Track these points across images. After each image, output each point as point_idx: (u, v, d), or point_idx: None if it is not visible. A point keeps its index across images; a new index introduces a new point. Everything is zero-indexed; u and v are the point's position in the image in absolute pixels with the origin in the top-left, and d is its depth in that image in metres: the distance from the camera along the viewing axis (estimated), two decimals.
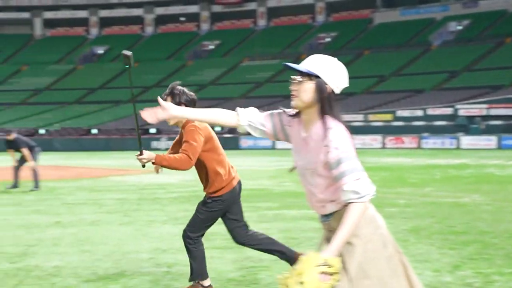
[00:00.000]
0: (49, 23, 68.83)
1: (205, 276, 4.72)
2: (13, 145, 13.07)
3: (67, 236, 7.51)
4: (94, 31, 68.53)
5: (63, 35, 68.03)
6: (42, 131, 39.17)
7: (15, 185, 13.13)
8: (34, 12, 68.28)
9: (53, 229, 8.08)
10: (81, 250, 6.64)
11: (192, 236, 4.65)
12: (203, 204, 4.70)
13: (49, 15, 68.52)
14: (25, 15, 68.23)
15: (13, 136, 13.05)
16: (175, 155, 4.45)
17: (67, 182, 14.60)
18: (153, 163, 4.34)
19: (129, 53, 3.61)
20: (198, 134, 4.46)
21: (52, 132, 39.11)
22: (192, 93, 4.61)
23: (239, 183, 4.75)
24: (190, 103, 4.53)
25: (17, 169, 13.21)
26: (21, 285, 5.29)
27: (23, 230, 8.04)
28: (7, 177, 14.92)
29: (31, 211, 9.83)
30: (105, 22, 68.48)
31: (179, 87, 4.58)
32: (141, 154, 4.23)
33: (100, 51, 65.09)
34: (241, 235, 4.72)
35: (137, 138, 4.14)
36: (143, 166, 4.40)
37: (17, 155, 13.20)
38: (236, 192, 4.70)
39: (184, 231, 4.71)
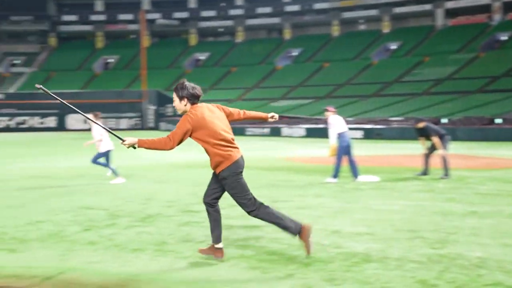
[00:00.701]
0: (450, 13, 68.95)
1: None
2: (423, 133, 13.31)
3: (485, 227, 7.22)
4: (497, 17, 66.01)
5: (464, 24, 67.39)
6: (444, 120, 39.41)
7: (424, 172, 13.37)
8: (436, 3, 69.25)
9: (469, 218, 7.89)
10: (502, 244, 6.28)
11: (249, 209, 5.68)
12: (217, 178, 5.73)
13: (450, 4, 68.67)
14: (427, 7, 69.74)
15: (422, 124, 13.28)
16: (155, 138, 5.51)
17: (476, 172, 14.23)
18: (134, 147, 5.48)
19: None
20: (183, 123, 5.49)
21: (455, 121, 39.00)
22: (191, 86, 5.60)
23: (242, 159, 5.64)
24: (191, 98, 5.60)
25: (427, 156, 13.42)
26: (446, 272, 5.23)
27: (439, 216, 8.05)
28: (417, 164, 15.32)
29: (444, 198, 9.82)
30: (509, 7, 65.26)
31: (185, 83, 5.63)
32: (124, 141, 5.43)
33: (504, 37, 62.28)
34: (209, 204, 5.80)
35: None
36: (131, 148, 5.54)
37: (428, 143, 13.40)
38: (239, 165, 5.58)
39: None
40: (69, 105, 6.08)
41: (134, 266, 5.62)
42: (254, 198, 5.63)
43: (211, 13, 75.90)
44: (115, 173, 13.00)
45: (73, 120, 53.41)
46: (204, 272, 5.38)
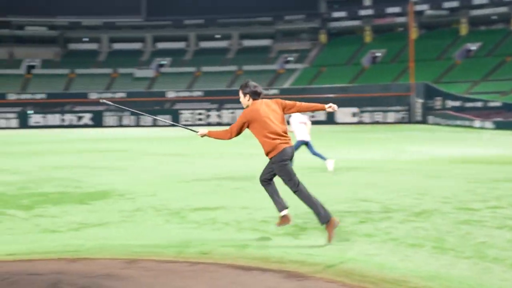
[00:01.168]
0: None
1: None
2: None
3: None
4: None
5: None
6: None
7: None
8: None
9: None
10: None
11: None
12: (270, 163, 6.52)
13: None
14: None
15: None
16: (220, 130, 6.63)
17: None
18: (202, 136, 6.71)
19: None
20: (241, 116, 6.42)
21: None
22: (253, 85, 6.50)
23: (291, 148, 6.44)
24: (253, 95, 6.47)
25: None
26: None
27: None
28: None
29: None
30: None
31: (249, 83, 6.53)
32: (197, 132, 6.75)
33: None
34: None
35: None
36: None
37: None
38: (287, 153, 6.36)
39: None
40: (142, 113, 6.87)
41: (413, 262, 5.50)
42: (298, 182, 6.48)
43: (484, 0, 71.64)
44: (321, 157, 13.59)
45: (342, 114, 54.80)
46: (489, 277, 5.04)
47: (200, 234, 6.88)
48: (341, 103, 56.41)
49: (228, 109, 60.83)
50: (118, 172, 14.15)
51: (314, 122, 56.22)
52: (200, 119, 60.60)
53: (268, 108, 6.50)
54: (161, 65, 76.89)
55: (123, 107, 8.00)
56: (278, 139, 6.42)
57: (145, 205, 9.05)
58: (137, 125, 60.11)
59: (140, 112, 8.97)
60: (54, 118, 60.19)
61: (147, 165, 16.09)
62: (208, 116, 60.85)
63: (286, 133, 6.51)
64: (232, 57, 78.11)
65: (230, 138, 6.58)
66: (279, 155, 6.41)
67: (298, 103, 6.69)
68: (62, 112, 61.53)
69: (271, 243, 6.40)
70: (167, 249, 6.12)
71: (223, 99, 62.94)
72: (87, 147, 24.63)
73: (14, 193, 10.58)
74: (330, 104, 6.76)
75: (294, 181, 6.46)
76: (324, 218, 6.37)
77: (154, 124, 59.27)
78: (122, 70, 73.41)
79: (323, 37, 79.18)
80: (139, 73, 73.48)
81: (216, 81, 70.35)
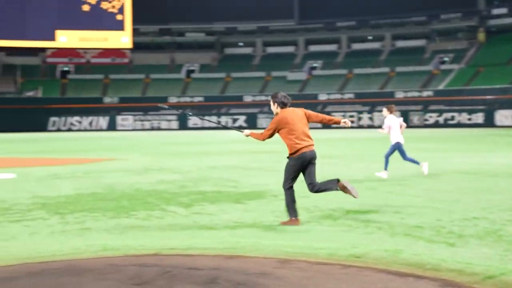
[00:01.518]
0: None
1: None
2: None
3: None
4: None
5: None
6: None
7: None
8: None
9: None
10: None
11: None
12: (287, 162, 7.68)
13: None
14: None
15: None
16: (258, 132, 7.87)
17: None
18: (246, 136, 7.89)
19: None
20: (272, 123, 7.65)
21: None
22: (282, 96, 7.70)
23: (311, 153, 7.56)
24: (281, 105, 7.65)
25: None
26: None
27: None
28: None
29: None
30: None
31: (278, 94, 7.72)
32: (242, 132, 7.93)
33: None
34: (309, 189, 7.72)
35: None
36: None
37: None
38: (304, 157, 7.51)
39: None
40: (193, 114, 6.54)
41: None
42: (291, 186, 7.62)
43: None
44: (386, 164, 13.10)
45: (502, 116, 51.76)
46: None
47: (352, 237, 6.84)
48: (501, 105, 53.56)
49: (380, 111, 59.81)
50: (271, 173, 14.46)
51: (472, 125, 53.65)
52: (351, 122, 60.13)
53: (294, 116, 7.62)
54: (313, 68, 77.41)
55: (177, 109, 11.05)
56: (300, 143, 7.52)
57: (298, 206, 9.15)
58: None
59: (189, 113, 10.66)
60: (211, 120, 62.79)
61: None
62: (359, 118, 60.29)
63: (309, 137, 7.63)
64: (385, 59, 76.73)
65: (263, 140, 7.86)
66: (297, 157, 7.52)
67: (321, 114, 7.95)
68: (218, 114, 64.07)
69: (426, 249, 6.20)
70: (319, 250, 6.16)
71: (375, 101, 62.03)
72: (242, 148, 25.43)
73: (175, 191, 11.20)
74: (346, 120, 8.10)
75: (288, 182, 7.62)
76: (293, 215, 7.66)
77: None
78: (275, 73, 74.91)
79: (481, 36, 75.23)
80: (291, 76, 74.54)
81: (368, 83, 69.51)
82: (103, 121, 63.21)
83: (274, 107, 7.72)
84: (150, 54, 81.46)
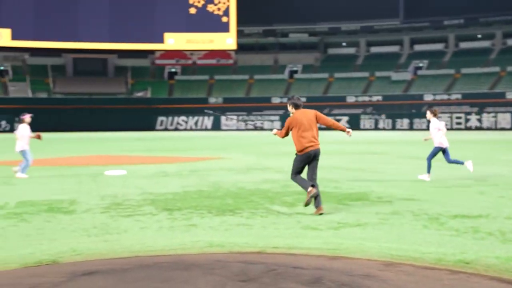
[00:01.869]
0: None
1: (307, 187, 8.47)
2: None
3: None
4: None
5: None
6: None
7: None
8: None
9: None
10: None
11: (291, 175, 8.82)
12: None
13: None
14: None
15: None
16: (280, 130, 8.90)
17: None
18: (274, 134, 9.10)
19: None
20: (286, 123, 8.67)
21: None
22: (296, 98, 8.79)
23: (315, 150, 8.58)
24: (295, 106, 8.69)
25: None
26: None
27: None
28: None
29: None
30: None
31: (294, 96, 8.89)
32: (272, 131, 9.18)
33: None
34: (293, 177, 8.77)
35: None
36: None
37: None
38: (308, 155, 8.55)
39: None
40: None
41: None
42: (297, 173, 8.70)
43: None
44: (428, 168, 12.83)
45: None
46: None
47: (460, 242, 6.61)
48: None
49: (489, 112, 57.40)
50: (375, 175, 14.26)
51: None
52: (458, 123, 58.15)
53: (304, 116, 8.59)
54: (419, 68, 75.43)
55: (216, 113, 12.63)
56: (306, 141, 8.52)
57: (402, 208, 8.99)
58: (393, 128, 59.85)
59: (215, 113, 12.24)
60: None
61: (404, 168, 15.95)
62: (467, 120, 58.11)
63: (315, 138, 8.59)
64: (495, 58, 73.46)
65: (282, 138, 8.96)
66: (303, 154, 8.57)
67: (330, 119, 8.79)
68: None
69: None
70: (426, 255, 6.01)
71: (484, 102, 59.56)
72: (345, 149, 25.22)
73: (278, 191, 11.29)
74: (349, 130, 8.94)
75: (294, 174, 8.69)
76: (307, 187, 8.41)
77: (410, 128, 58.44)
78: (379, 74, 73.68)
79: None
80: (395, 76, 73.03)
81: (476, 83, 66.84)
82: (208, 121, 64.76)
83: (290, 108, 8.74)
84: (254, 55, 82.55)
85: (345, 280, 4.94)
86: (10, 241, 6.96)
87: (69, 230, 7.55)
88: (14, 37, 70.86)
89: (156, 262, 5.69)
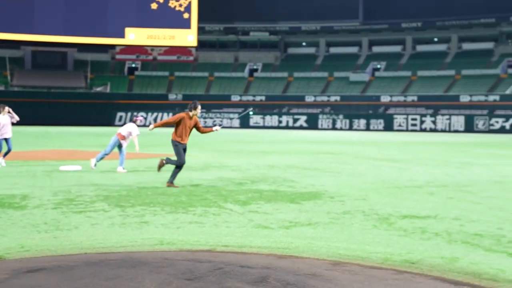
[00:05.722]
0: None
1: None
2: None
3: None
4: None
5: None
6: None
7: None
8: None
9: None
10: None
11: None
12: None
13: None
14: None
15: None
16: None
17: None
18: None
19: None
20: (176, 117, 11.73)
21: None
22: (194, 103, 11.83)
23: (185, 144, 11.65)
24: (190, 108, 11.77)
25: None
26: None
27: None
28: None
29: None
30: None
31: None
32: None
33: None
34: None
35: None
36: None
37: None
38: (182, 146, 11.59)
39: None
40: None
41: None
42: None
43: None
44: None
45: None
46: None
47: (408, 243, 6.75)
48: None
49: (444, 115, 58.57)
50: (330, 174, 14.40)
51: None
52: (414, 125, 59.16)
53: (187, 118, 11.58)
54: (376, 69, 76.46)
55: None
56: (182, 138, 11.58)
57: (354, 208, 9.11)
58: (350, 128, 60.52)
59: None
60: (272, 119, 63.02)
61: (359, 169, 16.15)
62: (422, 121, 59.17)
63: (187, 137, 11.62)
64: (450, 61, 75.01)
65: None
66: (178, 143, 11.59)
67: (202, 127, 11.94)
68: (280, 114, 64.16)
69: (484, 258, 6.05)
70: (373, 254, 6.11)
71: (439, 104, 60.74)
72: (301, 149, 25.40)
73: (232, 189, 11.31)
74: (217, 127, 12.35)
75: (180, 159, 11.62)
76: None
77: (367, 129, 59.18)
78: (337, 74, 74.42)
79: None
80: (354, 77, 73.88)
81: (432, 85, 68.13)
82: (167, 117, 64.35)
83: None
84: (215, 53, 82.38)
85: (291, 280, 4.99)
86: None
87: (18, 226, 7.42)
88: None
89: (103, 259, 5.65)
